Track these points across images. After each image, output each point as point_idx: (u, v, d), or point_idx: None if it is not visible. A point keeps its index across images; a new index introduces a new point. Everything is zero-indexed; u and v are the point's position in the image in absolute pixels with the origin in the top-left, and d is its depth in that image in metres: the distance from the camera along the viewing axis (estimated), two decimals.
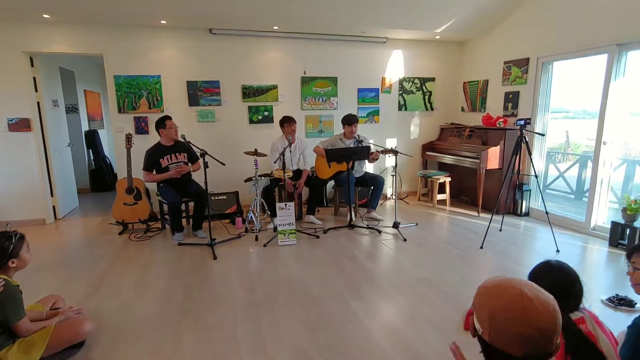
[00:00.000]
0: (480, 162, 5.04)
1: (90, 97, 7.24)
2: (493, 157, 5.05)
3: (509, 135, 5.02)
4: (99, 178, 7.03)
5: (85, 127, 6.96)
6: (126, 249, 4.01)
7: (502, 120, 5.22)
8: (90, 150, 7.05)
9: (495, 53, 5.57)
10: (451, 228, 4.66)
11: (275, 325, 2.50)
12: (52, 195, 5.03)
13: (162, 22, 4.72)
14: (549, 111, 4.92)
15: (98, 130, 7.26)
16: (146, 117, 5.04)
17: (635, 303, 2.69)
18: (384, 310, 2.70)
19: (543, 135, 4.84)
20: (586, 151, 6.80)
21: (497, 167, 5.08)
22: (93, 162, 7.09)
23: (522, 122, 3.78)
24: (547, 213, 3.88)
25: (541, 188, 4.69)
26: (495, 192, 5.07)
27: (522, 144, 3.82)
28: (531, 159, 4.04)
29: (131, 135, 4.41)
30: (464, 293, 2.91)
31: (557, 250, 3.78)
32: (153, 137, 4.69)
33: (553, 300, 0.82)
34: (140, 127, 5.03)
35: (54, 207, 5.07)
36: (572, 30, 4.35)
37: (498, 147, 5.05)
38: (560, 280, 1.43)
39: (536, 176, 3.98)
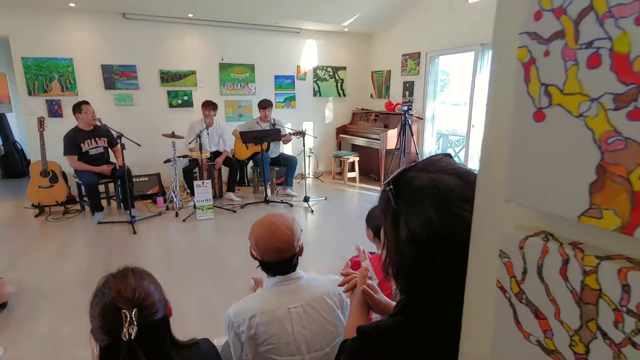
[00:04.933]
0: (381, 143, 5.78)
1: None
2: (391, 139, 5.81)
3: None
4: (10, 164, 6.75)
5: None
6: (43, 228, 4.14)
7: (400, 105, 5.99)
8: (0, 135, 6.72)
9: (396, 46, 6.31)
10: (355, 201, 5.37)
11: (187, 279, 2.94)
12: None
13: (71, 4, 4.73)
14: (435, 99, 5.77)
15: (6, 114, 6.90)
16: (59, 100, 5.04)
17: None
18: None
19: (421, 118, 5.66)
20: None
21: (395, 147, 5.86)
22: (3, 148, 6.77)
23: (404, 108, 4.50)
24: None
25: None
26: (395, 169, 5.85)
27: (406, 126, 4.55)
28: (413, 140, 4.81)
29: (44, 118, 4.45)
30: (350, 247, 3.55)
31: None
32: (68, 121, 4.74)
33: (292, 220, 1.37)
34: (54, 110, 5.02)
35: None
36: (450, 29, 5.16)
37: (396, 129, 5.82)
38: (377, 213, 2.02)
39: (417, 154, 4.77)
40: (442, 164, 0.66)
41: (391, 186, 0.66)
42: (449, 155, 0.69)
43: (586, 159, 0.28)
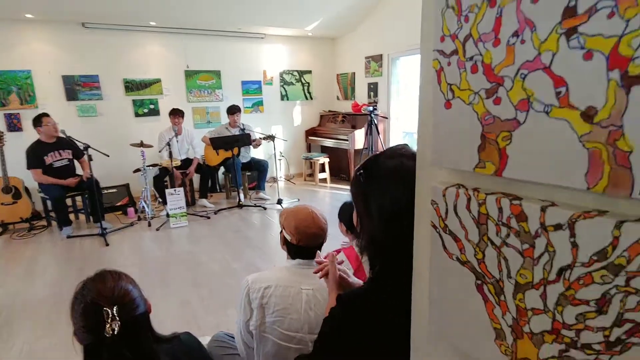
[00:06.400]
0: (349, 143, 5.96)
1: None
2: (359, 139, 5.99)
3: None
4: None
5: None
6: (8, 247, 4.00)
7: (365, 106, 6.19)
8: None
9: (359, 49, 6.52)
10: (327, 200, 5.50)
11: (165, 286, 2.96)
12: None
13: (27, 15, 4.61)
14: (399, 98, 6.01)
15: None
16: (18, 113, 4.88)
17: None
18: (259, 265, 3.33)
19: (387, 118, 5.89)
20: None
21: (363, 147, 6.05)
22: None
23: (370, 109, 4.68)
24: None
25: None
26: None
27: (372, 126, 4.74)
28: (379, 139, 5.00)
29: (2, 133, 4.31)
30: (326, 245, 3.67)
31: None
32: (28, 134, 4.61)
33: (325, 216, 1.51)
34: (13, 124, 4.86)
35: None
36: (408, 31, 5.41)
37: (363, 129, 6.00)
38: (348, 208, 2.15)
39: None
40: (402, 151, 0.80)
41: (362, 171, 0.80)
42: (407, 145, 0.83)
43: (474, 130, 0.42)
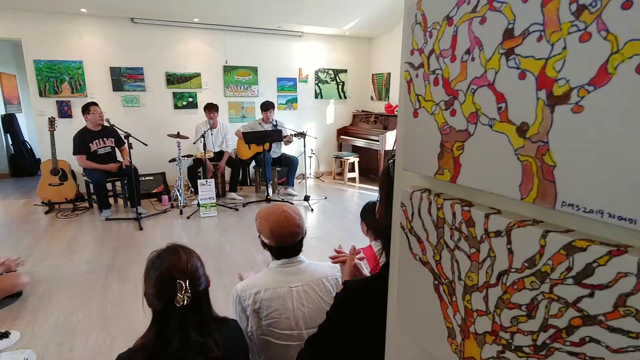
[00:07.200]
0: (381, 144, 5.93)
1: (5, 80, 7.08)
2: (390, 140, 5.96)
3: None
4: (20, 163, 6.97)
5: (0, 110, 6.84)
6: (53, 225, 4.32)
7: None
8: (9, 134, 6.94)
9: (396, 49, 6.46)
10: (355, 200, 5.51)
11: None
12: None
13: (82, 10, 4.94)
14: None
15: (16, 115, 7.14)
16: (69, 101, 5.24)
17: None
18: None
19: None
20: None
21: (393, 148, 6.00)
22: (12, 147, 7.00)
23: None
24: None
25: None
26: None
27: None
28: None
29: (54, 118, 4.65)
30: (348, 244, 3.70)
31: None
32: (77, 121, 4.94)
33: (296, 207, 1.54)
34: (64, 111, 5.23)
35: None
36: None
37: (395, 131, 5.96)
38: (370, 208, 2.16)
39: None
40: None
41: (391, 161, 0.85)
42: None
43: (435, 139, 0.44)
